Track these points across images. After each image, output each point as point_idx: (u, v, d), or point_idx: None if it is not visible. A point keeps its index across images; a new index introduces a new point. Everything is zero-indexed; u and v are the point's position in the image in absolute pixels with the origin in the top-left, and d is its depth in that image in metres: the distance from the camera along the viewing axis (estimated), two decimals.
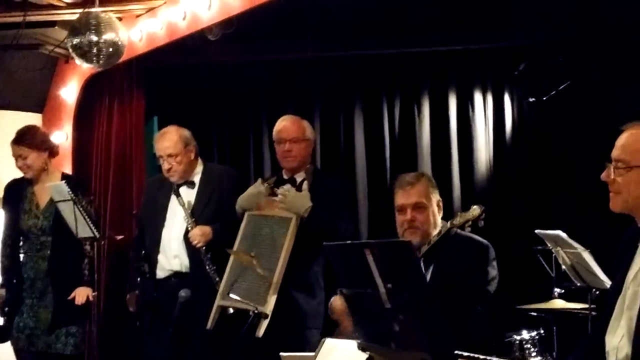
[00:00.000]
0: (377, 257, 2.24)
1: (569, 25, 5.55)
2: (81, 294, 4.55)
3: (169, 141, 4.43)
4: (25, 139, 4.65)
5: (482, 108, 5.94)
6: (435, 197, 3.43)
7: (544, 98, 5.66)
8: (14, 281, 4.68)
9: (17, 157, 4.65)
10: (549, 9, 5.43)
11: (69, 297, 4.54)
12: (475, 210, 3.24)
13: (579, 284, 4.67)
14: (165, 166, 4.44)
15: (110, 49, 4.64)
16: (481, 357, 2.45)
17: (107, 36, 4.59)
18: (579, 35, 5.57)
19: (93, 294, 4.57)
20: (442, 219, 3.47)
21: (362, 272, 2.29)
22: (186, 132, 4.52)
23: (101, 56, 4.65)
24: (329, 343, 2.75)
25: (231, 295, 3.96)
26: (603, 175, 2.56)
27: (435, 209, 3.42)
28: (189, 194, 4.48)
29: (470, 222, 3.25)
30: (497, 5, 5.46)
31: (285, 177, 4.32)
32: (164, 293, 4.38)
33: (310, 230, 4.01)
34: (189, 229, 4.35)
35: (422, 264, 3.24)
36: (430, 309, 2.14)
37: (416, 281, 2.15)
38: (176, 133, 4.47)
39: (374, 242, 2.30)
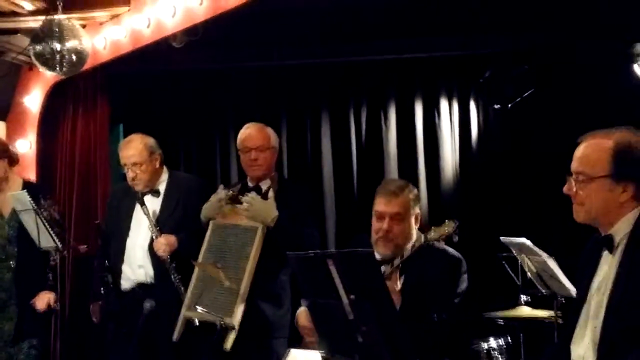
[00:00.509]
0: (340, 268, 2.23)
1: (533, 33, 5.59)
2: (42, 299, 4.47)
3: (134, 149, 4.39)
4: None
5: (448, 115, 5.96)
6: (415, 211, 3.42)
7: (509, 105, 5.69)
8: None
9: None
10: (514, 17, 5.46)
11: (30, 302, 4.46)
12: (449, 225, 3.24)
13: (544, 292, 4.70)
14: (129, 175, 4.40)
15: (74, 57, 4.59)
16: None
17: (70, 44, 4.54)
18: (543, 43, 5.61)
19: (55, 302, 4.49)
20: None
21: (326, 282, 2.27)
22: (151, 140, 4.48)
23: (64, 64, 4.59)
24: (294, 353, 2.73)
25: (197, 307, 3.91)
26: (565, 189, 2.56)
27: (413, 222, 3.41)
28: (153, 203, 4.44)
29: (444, 237, 3.24)
30: (463, 13, 5.48)
31: (250, 184, 4.29)
32: (128, 304, 4.33)
33: (277, 239, 3.99)
34: (154, 238, 4.30)
35: (396, 274, 3.25)
36: (393, 321, 2.12)
37: (379, 292, 2.14)
38: (141, 141, 4.43)
39: (337, 252, 2.28)
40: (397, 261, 3.30)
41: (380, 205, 3.39)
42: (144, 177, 4.39)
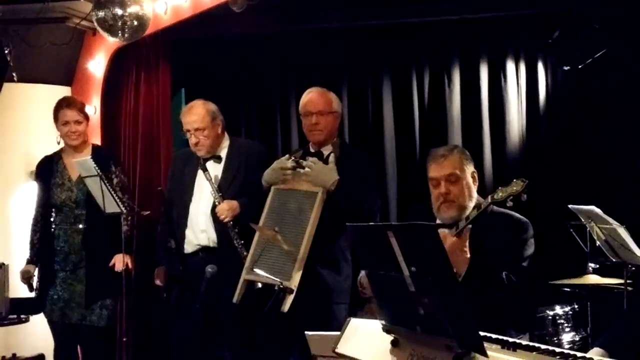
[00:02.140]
0: (400, 240, 2.18)
1: None
2: (119, 260, 4.58)
3: (197, 115, 4.41)
4: (79, 104, 4.77)
5: (514, 77, 5.78)
6: (470, 169, 3.39)
7: (579, 66, 5.50)
8: (43, 256, 4.71)
9: (71, 121, 4.70)
10: None
11: (110, 264, 4.56)
12: (517, 184, 3.12)
13: (614, 260, 4.58)
14: (192, 140, 4.42)
15: (135, 22, 4.63)
16: (507, 339, 2.39)
17: (132, 9, 4.57)
18: (615, 1, 5.39)
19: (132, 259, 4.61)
20: (480, 194, 3.42)
21: (386, 254, 2.23)
22: (213, 106, 4.50)
23: (126, 29, 4.63)
24: (354, 323, 2.70)
25: (256, 270, 3.95)
26: None
27: (470, 180, 3.37)
28: (215, 169, 4.46)
29: (512, 197, 3.14)
30: None
31: (312, 150, 4.28)
32: (191, 268, 4.39)
33: (337, 203, 3.97)
34: (216, 203, 4.33)
35: (466, 234, 3.18)
36: (455, 294, 2.07)
37: (441, 265, 2.08)
38: (203, 107, 4.45)
39: (397, 224, 2.23)
40: (462, 223, 3.23)
41: (433, 171, 3.37)
42: (207, 142, 4.41)
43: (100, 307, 4.61)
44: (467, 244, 3.16)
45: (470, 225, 3.19)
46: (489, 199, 3.18)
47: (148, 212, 4.72)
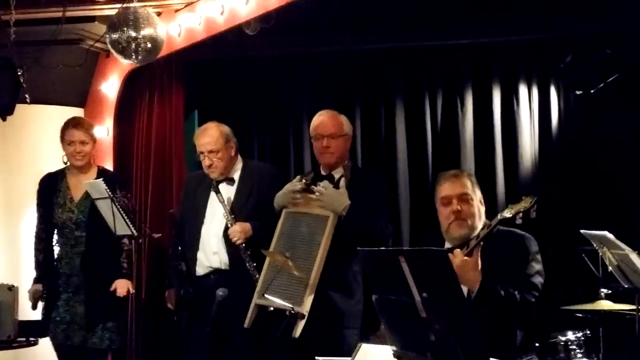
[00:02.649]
0: (412, 265, 2.17)
1: (617, 15, 5.37)
2: (122, 286, 4.57)
3: (210, 137, 4.43)
4: (86, 125, 4.73)
5: (527, 101, 5.77)
6: (479, 193, 3.44)
7: (592, 91, 5.49)
8: (49, 276, 4.71)
9: (77, 141, 4.67)
10: None
11: (111, 289, 4.55)
12: (527, 200, 3.13)
13: (625, 285, 4.55)
14: (206, 162, 4.43)
15: (149, 45, 4.64)
16: None
17: (146, 32, 4.59)
18: (627, 26, 5.39)
19: (132, 291, 4.57)
20: (489, 218, 3.42)
21: (397, 279, 2.22)
22: (227, 128, 4.52)
23: (140, 51, 4.65)
24: (365, 348, 2.70)
25: (267, 296, 3.94)
26: None
27: (479, 203, 3.41)
28: (228, 191, 4.47)
29: (521, 214, 3.13)
30: None
31: (323, 173, 4.28)
32: (202, 291, 4.39)
33: (348, 228, 3.97)
34: (229, 225, 4.33)
35: (477, 251, 3.19)
36: (466, 321, 2.06)
37: (452, 291, 2.08)
38: (217, 129, 4.47)
39: (409, 249, 2.23)
40: (472, 242, 3.24)
41: (446, 190, 3.39)
42: (220, 164, 4.42)
43: (102, 329, 4.58)
44: (478, 262, 3.16)
45: (481, 243, 3.19)
46: (499, 216, 3.19)
47: (159, 235, 4.72)
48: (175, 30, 5.25)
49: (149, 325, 5.25)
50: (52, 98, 5.52)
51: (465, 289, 3.23)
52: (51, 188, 4.76)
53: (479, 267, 3.15)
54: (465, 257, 3.15)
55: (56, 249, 4.72)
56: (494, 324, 3.15)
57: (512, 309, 3.18)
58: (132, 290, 4.60)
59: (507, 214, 3.15)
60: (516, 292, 3.18)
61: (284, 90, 6.02)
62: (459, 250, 3.21)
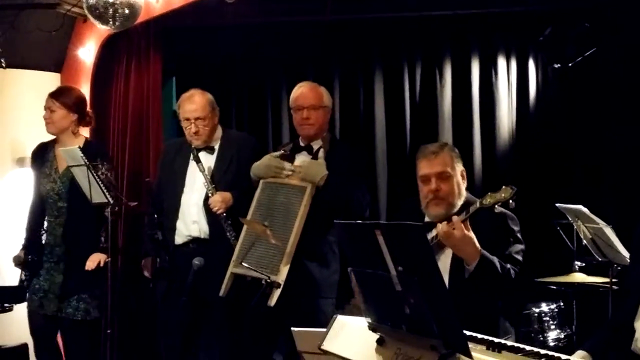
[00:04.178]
0: (388, 239, 2.18)
1: None
2: (92, 260, 4.55)
3: (197, 104, 4.41)
4: (60, 95, 4.67)
5: (505, 74, 5.78)
6: (459, 167, 3.43)
7: (570, 64, 5.51)
8: (33, 245, 4.69)
9: (46, 108, 4.64)
10: None
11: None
12: (506, 191, 3.16)
13: (600, 259, 4.61)
14: (192, 129, 4.40)
15: (126, 11, 4.59)
16: (492, 339, 2.40)
17: None
18: (604, 0, 5.39)
19: (107, 260, 4.55)
20: (469, 190, 3.46)
21: (373, 252, 2.23)
22: (211, 96, 4.50)
23: (117, 17, 4.60)
24: (340, 320, 2.70)
25: (244, 264, 3.95)
26: None
27: (460, 178, 3.42)
28: (208, 160, 4.45)
29: (500, 203, 3.17)
30: None
31: (301, 144, 4.28)
32: (180, 259, 4.38)
33: (326, 199, 3.98)
34: (210, 195, 4.31)
35: None
36: (441, 294, 2.07)
37: (427, 265, 2.09)
38: (203, 96, 4.46)
39: (385, 223, 2.23)
40: (472, 208, 3.25)
41: (424, 168, 3.39)
42: (206, 131, 4.41)
43: (77, 300, 4.57)
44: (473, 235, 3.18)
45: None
46: (478, 204, 3.21)
47: (135, 203, 4.70)
48: None
49: (125, 294, 5.24)
50: (28, 62, 5.44)
51: (445, 264, 3.26)
52: (40, 159, 4.74)
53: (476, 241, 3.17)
54: (468, 231, 3.15)
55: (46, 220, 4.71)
56: (484, 299, 3.18)
57: (507, 284, 3.20)
58: (102, 263, 4.55)
59: (486, 202, 3.18)
60: (509, 267, 3.20)
61: (262, 60, 5.96)
62: (457, 218, 3.19)
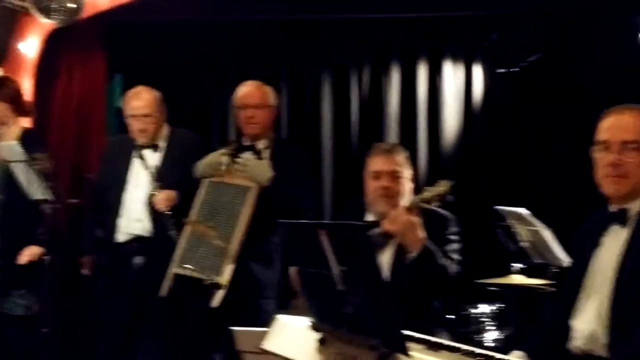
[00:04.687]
0: (331, 239, 2.19)
1: None
2: (25, 254, 4.43)
3: (145, 100, 4.36)
4: None
5: (451, 77, 5.87)
6: (410, 171, 3.48)
7: (515, 69, 5.61)
8: None
9: None
10: None
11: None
12: (444, 184, 3.21)
13: (537, 261, 4.69)
14: (138, 126, 4.34)
15: (71, 5, 4.52)
16: (431, 339, 2.42)
17: None
18: (551, 6, 5.50)
19: (46, 257, 4.46)
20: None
21: (316, 252, 2.23)
22: (158, 94, 4.45)
23: (61, 11, 4.52)
24: (282, 319, 2.70)
25: (185, 265, 3.92)
26: (611, 159, 2.48)
27: (409, 182, 3.45)
28: (153, 157, 4.41)
29: (438, 197, 3.22)
30: None
31: (246, 143, 4.26)
32: (122, 258, 4.32)
33: (271, 199, 3.97)
34: (154, 193, 4.27)
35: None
36: (382, 294, 2.09)
37: (369, 265, 2.10)
38: (150, 93, 4.41)
39: (329, 223, 2.25)
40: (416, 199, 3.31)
41: (377, 164, 3.41)
42: (152, 129, 4.36)
43: (17, 296, 4.48)
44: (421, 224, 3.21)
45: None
46: (417, 198, 3.24)
47: (76, 200, 4.63)
48: None
49: (64, 293, 5.15)
50: None
51: (386, 261, 3.29)
52: None
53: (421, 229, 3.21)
54: (412, 215, 3.18)
55: None
56: (421, 291, 3.22)
57: (443, 278, 3.25)
58: (38, 259, 4.46)
59: (424, 196, 3.24)
60: (449, 263, 3.25)
61: (209, 58, 5.93)
62: (403, 207, 3.24)
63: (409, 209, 3.25)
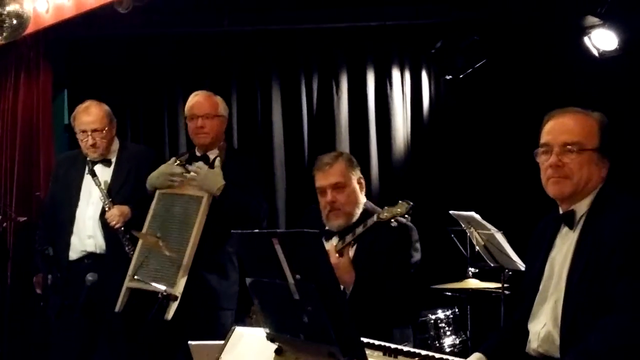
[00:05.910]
0: (285, 247, 2.17)
1: (484, 3, 5.56)
2: None
3: (95, 115, 4.30)
4: None
5: (400, 85, 5.93)
6: (356, 175, 3.48)
7: (461, 76, 5.67)
8: None
9: None
10: None
11: None
12: (403, 206, 3.27)
13: (492, 264, 4.74)
14: (89, 141, 4.28)
15: (14, 21, 4.49)
16: (389, 345, 2.43)
17: (11, 7, 4.45)
18: (494, 13, 5.58)
19: None
20: (367, 198, 3.51)
21: (270, 261, 2.22)
22: (108, 108, 4.39)
23: (4, 28, 4.48)
24: (239, 331, 2.68)
25: (137, 277, 3.88)
26: (554, 161, 2.51)
27: (357, 187, 3.47)
28: (104, 173, 4.35)
29: (396, 217, 3.27)
30: None
31: (198, 154, 4.24)
32: (75, 275, 4.24)
33: (223, 209, 3.96)
34: (106, 209, 4.21)
35: (348, 247, 3.32)
36: (338, 302, 2.08)
37: (324, 273, 2.09)
38: (100, 108, 4.35)
39: (282, 232, 2.23)
40: (349, 238, 3.33)
41: (319, 180, 3.46)
42: (103, 144, 4.30)
43: None
44: (350, 262, 3.26)
45: (354, 243, 3.30)
46: (375, 217, 3.28)
47: (25, 218, 4.54)
48: (42, 6, 5.01)
49: (16, 312, 5.05)
50: None
51: None
52: None
53: (350, 267, 3.25)
54: (338, 258, 3.23)
55: None
56: (369, 316, 3.23)
57: (388, 303, 3.28)
58: None
59: (383, 216, 3.27)
60: (388, 287, 3.28)
61: (158, 71, 5.89)
62: (333, 242, 3.29)
63: (339, 251, 3.29)
